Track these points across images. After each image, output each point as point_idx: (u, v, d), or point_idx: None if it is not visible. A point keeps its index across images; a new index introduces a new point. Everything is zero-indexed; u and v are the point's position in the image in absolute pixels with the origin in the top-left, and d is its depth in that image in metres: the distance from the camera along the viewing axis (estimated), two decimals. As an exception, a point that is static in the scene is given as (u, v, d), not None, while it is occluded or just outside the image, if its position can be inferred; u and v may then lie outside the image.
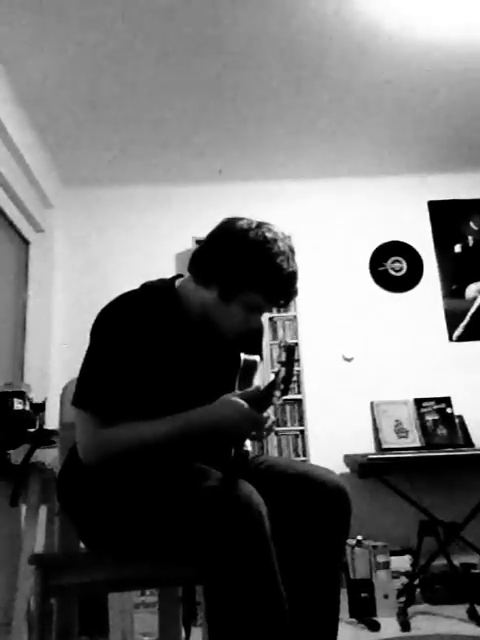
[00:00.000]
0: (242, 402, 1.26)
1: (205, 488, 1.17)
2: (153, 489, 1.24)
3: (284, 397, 1.22)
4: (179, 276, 1.49)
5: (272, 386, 1.23)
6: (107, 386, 1.29)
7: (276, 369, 1.23)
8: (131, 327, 1.31)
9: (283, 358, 1.20)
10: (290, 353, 1.21)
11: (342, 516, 1.32)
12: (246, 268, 1.29)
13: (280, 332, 3.49)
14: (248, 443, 1.36)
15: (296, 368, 1.22)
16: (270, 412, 1.38)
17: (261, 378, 1.48)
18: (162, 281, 1.46)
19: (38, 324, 3.36)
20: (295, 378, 1.18)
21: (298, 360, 1.16)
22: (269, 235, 1.31)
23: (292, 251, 1.34)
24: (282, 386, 1.20)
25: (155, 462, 1.28)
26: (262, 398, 1.27)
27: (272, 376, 1.25)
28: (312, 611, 1.27)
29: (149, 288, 1.41)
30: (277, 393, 1.20)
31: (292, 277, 1.32)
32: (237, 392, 1.30)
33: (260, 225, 1.33)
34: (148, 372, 1.31)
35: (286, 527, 1.26)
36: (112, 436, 1.28)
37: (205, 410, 1.28)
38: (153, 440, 1.27)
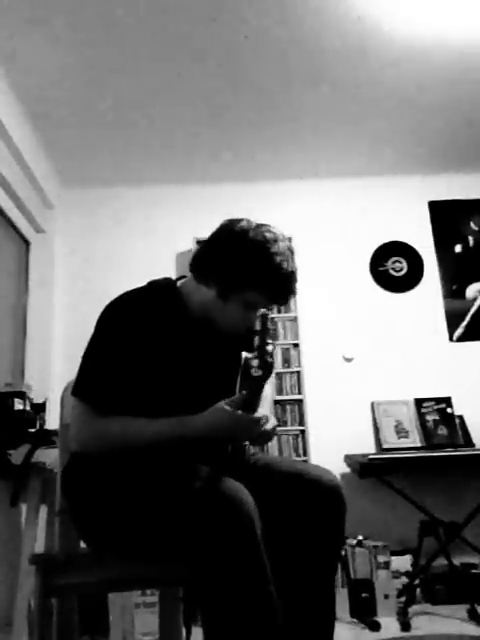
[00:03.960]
0: (230, 409, 1.26)
1: (195, 487, 1.17)
2: (147, 489, 1.25)
3: (267, 367, 1.20)
4: (183, 277, 1.51)
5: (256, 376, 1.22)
6: (107, 378, 1.31)
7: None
8: (134, 322, 1.33)
9: (258, 327, 1.20)
10: (263, 321, 1.20)
11: (337, 515, 1.32)
12: (246, 267, 1.32)
13: (280, 332, 3.49)
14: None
15: (269, 337, 1.19)
16: (271, 417, 1.38)
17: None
18: (166, 280, 1.48)
19: (38, 324, 3.36)
20: (271, 348, 1.14)
21: (273, 329, 1.15)
22: (269, 235, 1.33)
23: (291, 252, 1.36)
24: (256, 353, 1.19)
25: (150, 460, 1.28)
26: (247, 396, 1.27)
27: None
28: (308, 610, 1.28)
29: (154, 286, 1.44)
30: (254, 362, 1.19)
31: (291, 277, 1.35)
32: (227, 400, 1.29)
33: (260, 226, 1.36)
34: (149, 367, 1.33)
35: (281, 525, 1.27)
36: (107, 427, 1.29)
37: (199, 418, 1.28)
38: (148, 439, 1.28)
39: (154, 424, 1.29)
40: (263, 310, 1.22)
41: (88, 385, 1.33)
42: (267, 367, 1.21)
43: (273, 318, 1.19)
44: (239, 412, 1.26)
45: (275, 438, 3.29)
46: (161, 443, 1.28)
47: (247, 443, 1.35)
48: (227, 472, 1.21)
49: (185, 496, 1.17)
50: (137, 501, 1.24)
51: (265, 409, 1.39)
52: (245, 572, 1.09)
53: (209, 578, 1.10)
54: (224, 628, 1.09)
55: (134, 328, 1.32)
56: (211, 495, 1.14)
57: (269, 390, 1.49)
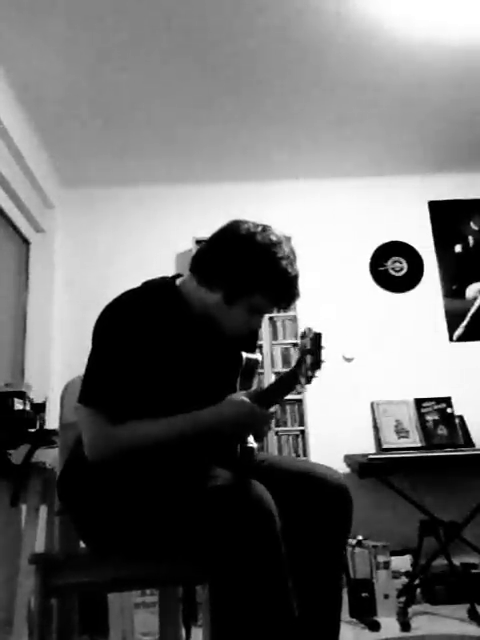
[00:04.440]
0: (248, 401, 1.28)
1: (215, 488, 1.17)
2: (160, 489, 1.24)
3: (308, 385, 1.23)
4: (179, 275, 1.49)
5: (292, 378, 1.24)
6: (114, 383, 1.30)
7: (298, 357, 1.24)
8: (135, 324, 1.31)
9: (309, 346, 1.21)
10: (318, 340, 1.22)
11: (344, 514, 1.33)
12: (253, 271, 1.31)
13: (280, 332, 3.49)
14: (251, 439, 1.37)
15: (321, 357, 1.22)
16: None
17: (257, 376, 1.49)
18: (163, 279, 1.46)
19: (38, 324, 3.36)
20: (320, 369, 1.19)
21: (324, 348, 1.16)
22: (274, 238, 1.33)
23: (294, 254, 1.36)
24: (309, 373, 1.20)
25: (161, 461, 1.28)
26: (268, 395, 1.28)
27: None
28: (315, 608, 1.28)
29: (151, 286, 1.42)
30: (302, 380, 1.21)
31: (295, 280, 1.35)
32: (242, 392, 1.31)
33: (265, 228, 1.35)
34: (153, 368, 1.32)
35: (288, 525, 1.26)
36: (120, 433, 1.28)
37: (213, 410, 1.29)
38: (161, 438, 1.28)
39: (166, 423, 1.28)
40: (317, 330, 1.24)
41: (96, 392, 1.31)
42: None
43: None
44: (257, 407, 1.28)
45: (275, 438, 3.29)
46: (175, 441, 1.28)
47: (255, 446, 1.35)
48: (236, 474, 1.22)
49: (206, 496, 1.17)
50: (145, 501, 1.24)
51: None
52: (266, 573, 1.09)
53: (229, 577, 1.10)
54: (241, 627, 1.09)
55: (136, 330, 1.31)
56: (232, 492, 1.14)
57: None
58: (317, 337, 1.22)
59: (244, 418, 1.28)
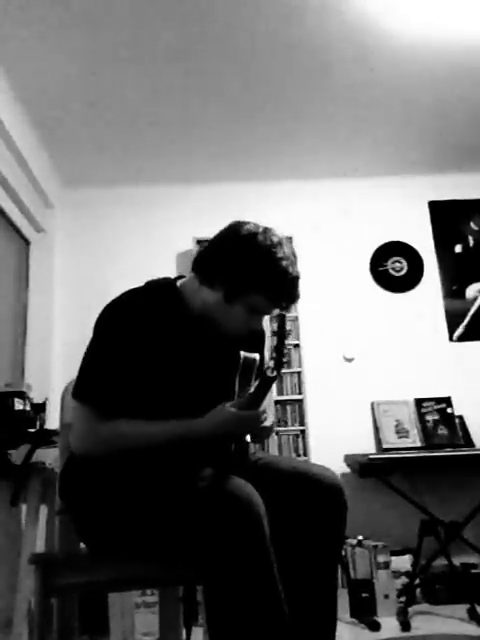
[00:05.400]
0: (236, 411, 1.27)
1: (204, 488, 1.17)
2: (152, 489, 1.25)
3: (281, 369, 1.22)
4: (181, 277, 1.51)
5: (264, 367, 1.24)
6: (108, 380, 1.31)
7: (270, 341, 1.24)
8: (134, 323, 1.33)
9: (275, 328, 1.21)
10: (281, 323, 1.22)
11: (338, 513, 1.33)
12: (253, 271, 1.32)
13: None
14: (248, 437, 1.37)
15: (288, 341, 1.22)
16: (271, 415, 1.39)
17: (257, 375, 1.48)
18: (165, 279, 1.48)
19: (38, 324, 3.36)
20: (287, 350, 1.19)
21: (290, 331, 1.18)
22: (275, 239, 1.34)
23: (295, 256, 1.37)
24: (274, 355, 1.20)
25: (153, 460, 1.28)
26: (255, 396, 1.28)
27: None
28: (310, 608, 1.28)
29: (153, 285, 1.44)
30: (271, 363, 1.20)
31: (296, 281, 1.36)
32: (230, 403, 1.30)
33: (266, 230, 1.36)
34: (149, 367, 1.33)
35: (283, 524, 1.27)
36: (110, 431, 1.29)
37: (203, 421, 1.29)
38: (151, 443, 1.29)
39: (158, 426, 1.29)
40: (281, 312, 1.23)
41: (89, 387, 1.32)
42: (281, 369, 1.23)
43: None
44: (243, 412, 1.27)
45: (275, 438, 3.29)
46: (165, 445, 1.28)
47: (249, 443, 1.35)
48: (230, 472, 1.22)
49: (193, 496, 1.17)
50: (141, 502, 1.24)
51: (267, 407, 1.39)
52: (254, 574, 1.09)
53: (217, 577, 1.10)
54: (232, 629, 1.09)
55: (134, 329, 1.32)
56: (221, 494, 1.14)
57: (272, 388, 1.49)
58: (281, 318, 1.23)
59: (232, 428, 1.29)
